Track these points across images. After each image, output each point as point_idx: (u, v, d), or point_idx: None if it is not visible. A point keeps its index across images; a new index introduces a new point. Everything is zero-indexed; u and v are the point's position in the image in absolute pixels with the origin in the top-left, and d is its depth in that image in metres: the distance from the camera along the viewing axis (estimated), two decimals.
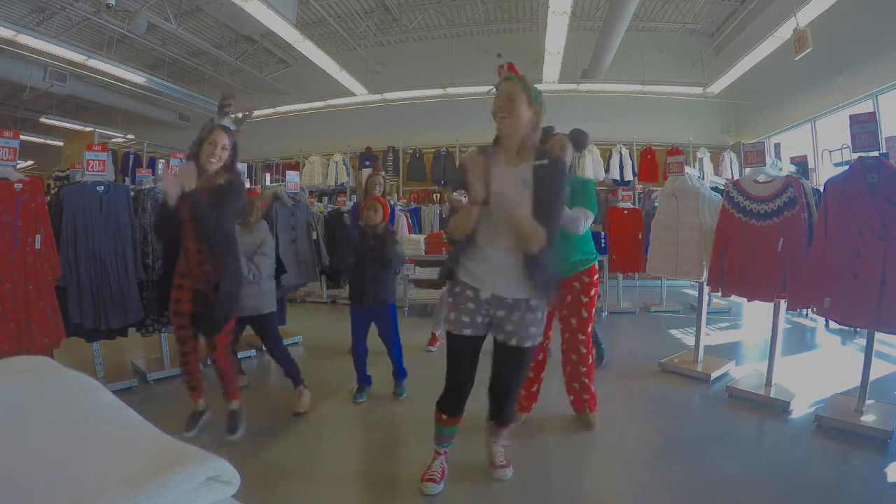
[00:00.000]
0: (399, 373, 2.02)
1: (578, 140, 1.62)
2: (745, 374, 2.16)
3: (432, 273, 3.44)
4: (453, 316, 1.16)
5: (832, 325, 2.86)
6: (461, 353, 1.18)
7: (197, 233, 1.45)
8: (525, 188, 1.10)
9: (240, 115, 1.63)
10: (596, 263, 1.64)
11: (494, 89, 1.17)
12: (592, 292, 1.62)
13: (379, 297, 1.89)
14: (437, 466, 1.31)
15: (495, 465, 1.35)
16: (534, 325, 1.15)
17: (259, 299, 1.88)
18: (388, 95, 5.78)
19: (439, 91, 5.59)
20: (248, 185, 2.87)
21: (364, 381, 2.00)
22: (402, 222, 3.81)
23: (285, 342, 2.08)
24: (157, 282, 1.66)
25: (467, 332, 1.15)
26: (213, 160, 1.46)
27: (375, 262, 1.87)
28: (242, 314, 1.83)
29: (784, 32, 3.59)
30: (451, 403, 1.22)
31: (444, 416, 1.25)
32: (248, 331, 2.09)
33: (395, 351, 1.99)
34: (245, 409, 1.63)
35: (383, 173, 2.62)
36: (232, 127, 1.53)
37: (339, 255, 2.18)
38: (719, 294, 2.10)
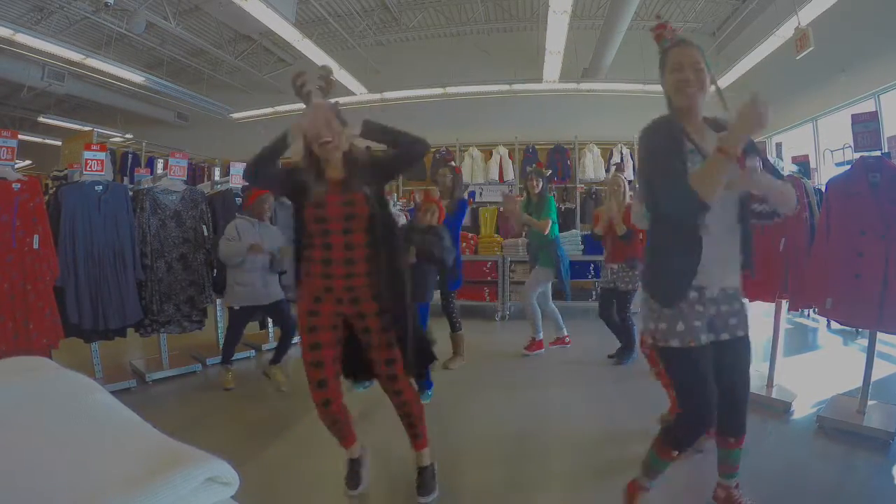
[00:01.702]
0: (426, 383, 1.88)
1: None
2: None
3: None
4: (682, 325, 0.94)
5: (834, 325, 2.86)
6: (706, 367, 0.96)
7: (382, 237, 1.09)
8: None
9: (320, 85, 1.25)
10: None
11: (665, 53, 0.97)
12: None
13: (419, 296, 1.76)
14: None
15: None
16: (746, 312, 1.02)
17: (275, 287, 2.14)
18: (387, 95, 5.76)
19: (439, 90, 5.57)
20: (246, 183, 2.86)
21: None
22: (402, 222, 3.80)
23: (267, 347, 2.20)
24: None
25: (704, 338, 0.96)
26: (329, 139, 1.14)
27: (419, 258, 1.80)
28: (261, 303, 2.08)
29: (785, 31, 3.57)
30: (696, 429, 1.00)
31: (676, 453, 1.04)
32: (248, 330, 2.14)
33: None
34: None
35: (453, 163, 2.60)
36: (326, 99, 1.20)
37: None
38: None
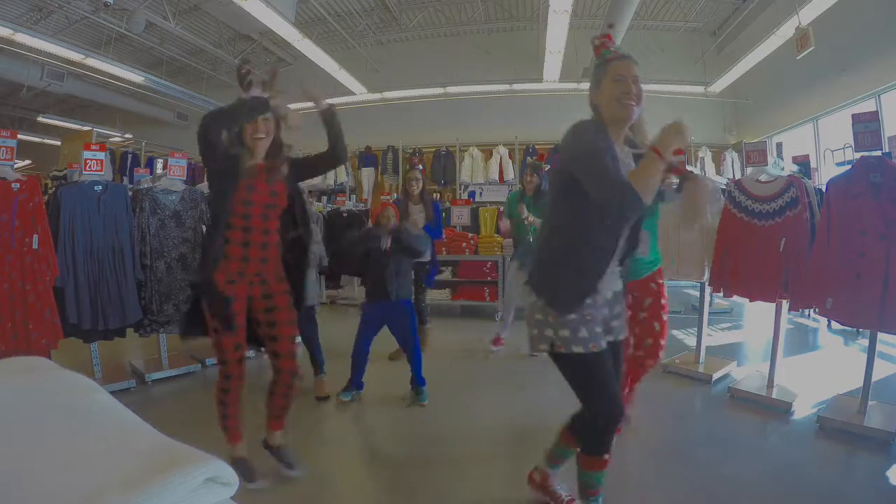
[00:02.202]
0: (418, 380, 1.92)
1: None
2: (746, 375, 2.15)
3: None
4: (585, 332, 0.94)
5: (834, 325, 2.86)
6: (610, 369, 0.98)
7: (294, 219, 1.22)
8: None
9: (265, 79, 1.28)
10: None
11: (604, 63, 0.97)
12: (666, 295, 1.53)
13: (403, 292, 1.85)
14: (559, 488, 1.14)
15: (564, 501, 1.15)
16: (625, 314, 1.06)
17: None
18: (387, 94, 5.76)
19: (439, 90, 5.56)
20: None
21: (358, 385, 1.96)
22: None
23: None
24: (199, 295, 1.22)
25: (604, 342, 0.98)
26: (261, 135, 1.20)
27: (399, 255, 1.83)
28: None
29: (786, 31, 3.57)
30: (608, 430, 1.00)
31: (605, 457, 1.03)
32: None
33: (415, 354, 1.92)
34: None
35: (421, 167, 2.55)
36: (265, 95, 1.22)
37: (344, 251, 2.16)
38: (721, 294, 2.10)
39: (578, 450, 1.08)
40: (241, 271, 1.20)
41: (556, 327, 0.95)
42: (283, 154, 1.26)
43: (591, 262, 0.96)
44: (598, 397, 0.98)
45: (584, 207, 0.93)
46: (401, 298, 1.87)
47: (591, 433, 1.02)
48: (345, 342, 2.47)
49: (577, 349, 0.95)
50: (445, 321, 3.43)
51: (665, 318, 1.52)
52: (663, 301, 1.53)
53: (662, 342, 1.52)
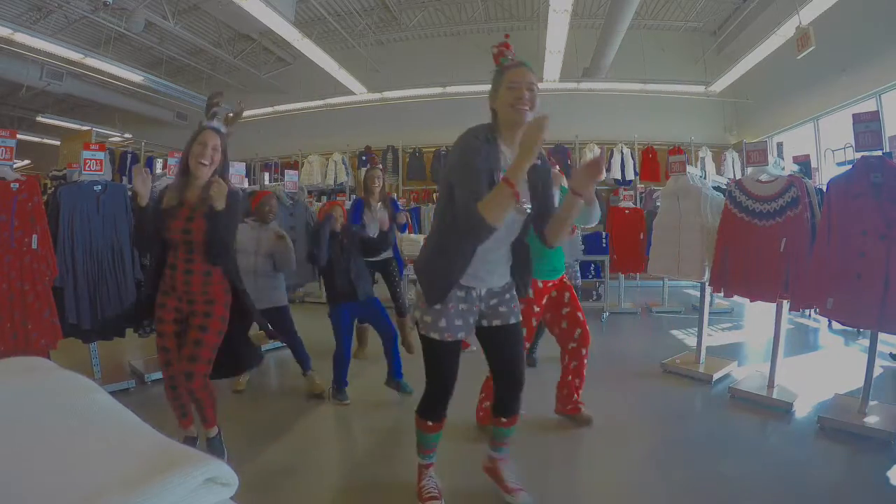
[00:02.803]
0: (396, 370, 1.97)
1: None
2: (747, 375, 2.15)
3: None
4: (444, 322, 1.08)
5: (835, 325, 2.85)
6: (451, 358, 1.13)
7: (210, 254, 1.29)
8: (525, 187, 1.06)
9: (230, 114, 1.48)
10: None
11: (502, 71, 1.07)
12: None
13: (368, 290, 1.90)
14: (431, 484, 1.22)
15: (508, 489, 1.22)
16: (516, 301, 1.17)
17: (272, 292, 2.06)
18: (387, 94, 5.75)
19: (439, 90, 5.56)
20: (246, 184, 2.85)
21: (344, 383, 1.96)
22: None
23: (281, 344, 2.14)
24: (141, 299, 1.43)
25: (461, 335, 1.11)
26: (205, 161, 1.29)
27: (356, 255, 1.88)
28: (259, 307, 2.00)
29: (787, 31, 3.57)
30: (437, 405, 1.17)
31: (429, 423, 1.18)
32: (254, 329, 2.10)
33: (395, 345, 1.96)
34: (222, 432, 1.46)
35: (381, 166, 2.47)
36: (222, 129, 1.37)
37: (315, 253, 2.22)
38: (721, 294, 2.10)
39: (502, 419, 1.23)
40: (173, 286, 1.34)
41: (423, 312, 1.10)
42: (209, 195, 1.28)
43: (454, 265, 1.05)
44: (435, 377, 1.15)
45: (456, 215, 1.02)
46: (368, 296, 1.91)
47: (425, 401, 1.19)
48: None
49: (433, 335, 1.10)
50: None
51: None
52: (577, 295, 1.75)
53: (587, 328, 1.69)
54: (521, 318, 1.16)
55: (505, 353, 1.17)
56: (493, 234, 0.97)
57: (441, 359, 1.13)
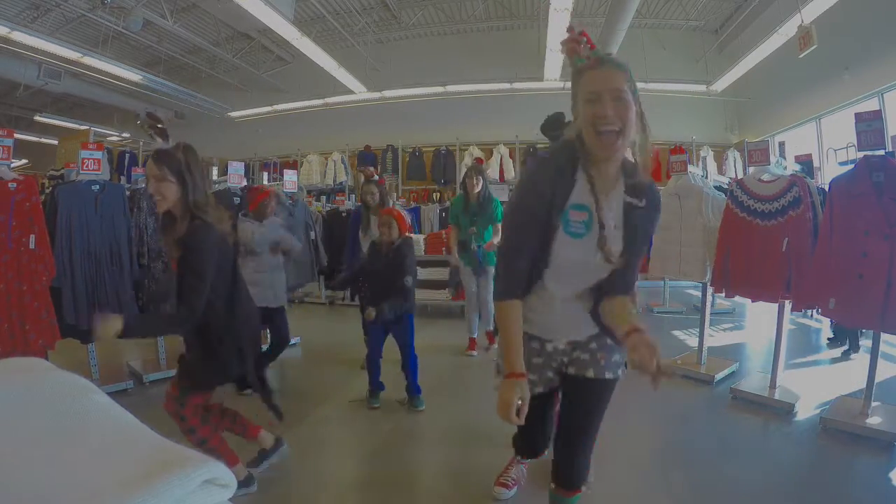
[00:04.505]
0: (413, 388, 1.88)
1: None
2: (749, 375, 2.14)
3: (432, 273, 3.41)
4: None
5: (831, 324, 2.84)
6: (533, 416, 0.87)
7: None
8: (616, 228, 0.79)
9: (156, 126, 1.24)
10: None
11: (578, 73, 0.75)
12: None
13: (394, 312, 1.77)
14: (514, 472, 1.22)
15: None
16: (616, 351, 0.87)
17: (280, 291, 2.06)
18: (387, 93, 5.74)
19: (439, 89, 5.55)
20: (244, 183, 2.84)
21: (377, 386, 1.93)
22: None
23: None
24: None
25: (538, 390, 0.90)
26: (158, 199, 1.10)
27: (389, 278, 1.76)
28: (270, 305, 2.00)
29: (789, 29, 3.55)
30: (526, 452, 1.07)
31: (523, 458, 1.15)
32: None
33: (409, 363, 1.87)
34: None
35: (376, 177, 2.30)
36: (164, 145, 1.23)
37: (340, 268, 2.16)
38: (723, 295, 2.09)
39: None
40: None
41: (499, 357, 0.88)
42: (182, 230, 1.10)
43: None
44: (518, 433, 1.03)
45: None
46: (393, 318, 1.80)
47: (517, 440, 1.07)
48: (345, 346, 2.47)
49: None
50: (447, 322, 3.41)
51: None
52: None
53: None
54: (607, 376, 0.88)
55: (568, 407, 0.91)
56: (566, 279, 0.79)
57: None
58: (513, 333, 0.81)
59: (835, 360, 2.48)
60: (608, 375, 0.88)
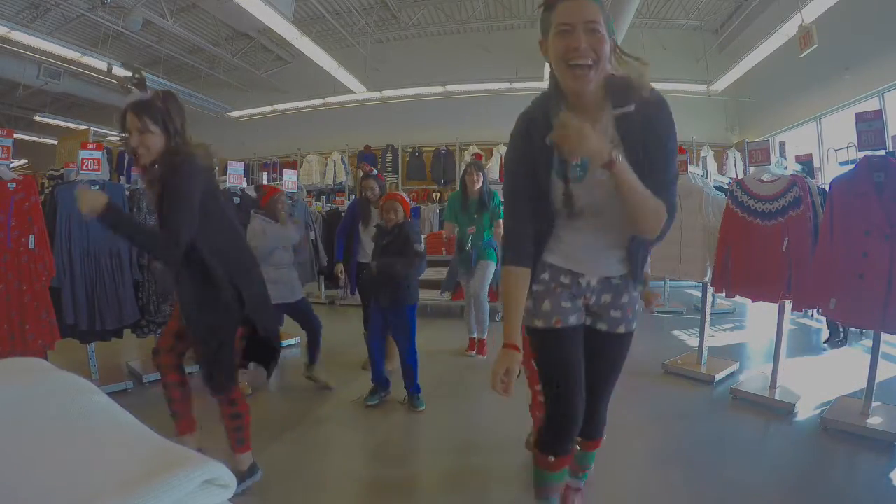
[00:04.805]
0: (413, 387, 1.85)
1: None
2: (749, 375, 2.14)
3: (431, 274, 3.41)
4: (549, 305, 0.80)
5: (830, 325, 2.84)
6: (570, 354, 0.82)
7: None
8: (615, 147, 0.71)
9: (133, 75, 1.07)
10: None
11: (550, 5, 0.71)
12: None
13: (395, 299, 1.74)
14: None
15: None
16: (637, 300, 0.87)
17: (298, 284, 2.10)
18: (387, 93, 5.73)
19: (439, 89, 5.54)
20: (244, 184, 2.84)
21: (379, 382, 1.90)
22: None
23: (282, 344, 2.16)
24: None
25: (573, 320, 0.82)
26: (142, 152, 1.04)
27: (396, 251, 1.73)
28: (289, 301, 2.05)
29: (789, 29, 3.55)
30: (562, 434, 0.84)
31: (551, 458, 0.86)
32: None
33: (408, 360, 1.83)
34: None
35: (375, 172, 2.29)
36: (142, 95, 1.05)
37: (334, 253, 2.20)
38: (723, 295, 2.09)
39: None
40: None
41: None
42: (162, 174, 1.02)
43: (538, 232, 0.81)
44: (553, 389, 0.84)
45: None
46: (393, 305, 1.77)
47: (546, 429, 0.87)
48: (346, 346, 2.46)
49: (538, 323, 0.82)
50: (446, 322, 3.41)
51: None
52: None
53: None
54: (633, 328, 0.87)
55: (596, 363, 0.86)
56: (588, 208, 0.75)
57: (555, 356, 0.82)
58: (514, 302, 0.78)
59: (835, 361, 2.48)
60: (634, 328, 0.88)
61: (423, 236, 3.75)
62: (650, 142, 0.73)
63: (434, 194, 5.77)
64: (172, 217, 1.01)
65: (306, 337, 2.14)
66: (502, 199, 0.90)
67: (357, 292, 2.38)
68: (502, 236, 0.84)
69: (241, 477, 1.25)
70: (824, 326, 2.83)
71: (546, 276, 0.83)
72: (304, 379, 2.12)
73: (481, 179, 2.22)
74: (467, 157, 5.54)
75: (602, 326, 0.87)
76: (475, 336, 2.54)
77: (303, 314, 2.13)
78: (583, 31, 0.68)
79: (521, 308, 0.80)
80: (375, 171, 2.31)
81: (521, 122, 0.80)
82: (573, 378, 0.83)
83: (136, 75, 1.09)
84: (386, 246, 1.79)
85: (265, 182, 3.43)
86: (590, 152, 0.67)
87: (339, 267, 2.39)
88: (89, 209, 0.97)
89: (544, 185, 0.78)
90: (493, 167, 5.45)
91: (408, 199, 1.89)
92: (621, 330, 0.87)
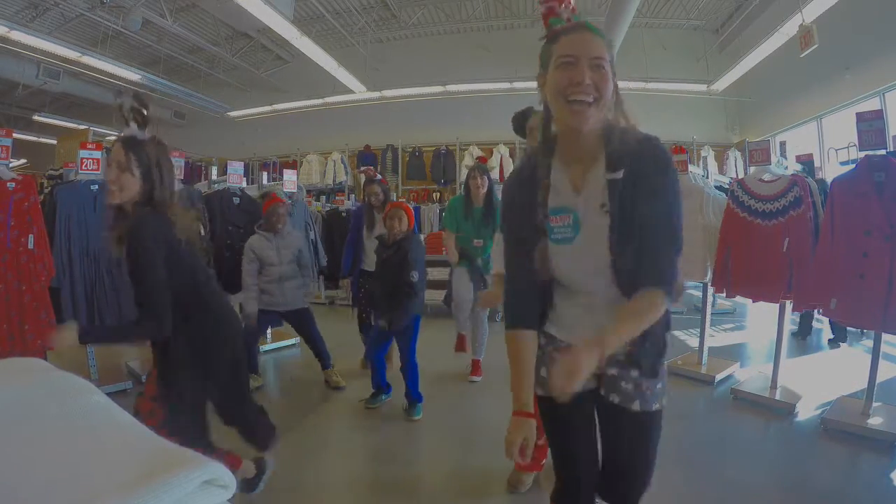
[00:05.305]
0: (411, 395, 1.82)
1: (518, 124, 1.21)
2: (750, 375, 2.14)
3: (432, 273, 3.40)
4: (545, 371, 0.74)
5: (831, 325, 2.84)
6: (569, 422, 0.75)
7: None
8: (602, 213, 0.66)
9: (140, 109, 0.99)
10: None
11: (552, 38, 0.67)
12: None
13: (398, 318, 1.70)
14: None
15: None
16: (658, 378, 0.74)
17: (294, 295, 2.09)
18: (386, 93, 5.72)
19: (439, 88, 5.53)
20: (244, 183, 2.83)
21: (379, 387, 1.89)
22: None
23: (282, 344, 2.16)
24: None
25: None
26: (114, 189, 0.95)
27: (392, 277, 1.71)
28: (278, 310, 2.06)
29: (790, 29, 3.54)
30: (572, 493, 0.80)
31: None
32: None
33: (407, 369, 1.81)
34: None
35: (379, 177, 2.22)
36: (139, 134, 0.99)
37: (340, 262, 2.17)
38: (724, 295, 2.09)
39: None
40: None
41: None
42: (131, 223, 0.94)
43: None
44: (555, 456, 0.79)
45: None
46: (396, 322, 1.74)
47: (555, 491, 0.82)
48: (345, 346, 2.46)
49: (538, 391, 0.75)
50: (446, 322, 3.40)
51: None
52: None
53: None
54: (651, 408, 0.74)
55: (615, 440, 0.77)
56: (572, 263, 0.68)
57: (558, 425, 0.76)
58: (521, 366, 0.71)
59: (836, 361, 2.47)
60: (655, 407, 0.75)
61: (422, 237, 3.75)
62: (651, 207, 0.64)
63: (434, 194, 5.76)
64: (146, 293, 0.94)
65: (311, 348, 2.16)
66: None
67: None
68: (503, 294, 0.75)
69: (253, 482, 1.20)
70: (825, 327, 2.83)
71: (543, 341, 0.76)
72: (302, 379, 2.12)
73: (486, 184, 2.00)
74: (467, 158, 5.54)
75: (615, 398, 0.75)
76: (475, 355, 2.25)
77: (301, 325, 2.13)
78: (587, 66, 0.63)
79: (531, 372, 0.72)
80: (379, 176, 2.27)
81: (515, 179, 0.75)
82: (578, 444, 0.78)
83: (141, 108, 1.00)
84: (385, 260, 1.79)
85: (265, 182, 3.42)
86: (587, 372, 0.60)
87: (346, 283, 2.39)
88: (67, 346, 0.92)
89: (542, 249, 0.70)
90: (494, 167, 5.45)
91: (412, 210, 1.85)
92: (635, 407, 0.74)
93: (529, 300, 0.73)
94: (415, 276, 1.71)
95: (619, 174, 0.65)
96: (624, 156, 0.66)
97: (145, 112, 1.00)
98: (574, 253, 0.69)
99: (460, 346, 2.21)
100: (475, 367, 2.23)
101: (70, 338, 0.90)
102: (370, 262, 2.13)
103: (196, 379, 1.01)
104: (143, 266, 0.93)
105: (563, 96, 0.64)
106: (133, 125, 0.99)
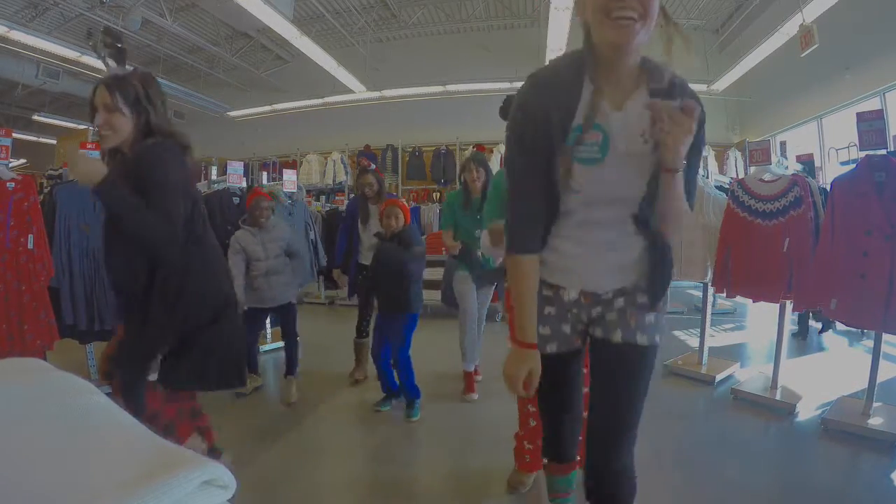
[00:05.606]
0: (408, 391, 1.80)
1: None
2: (750, 376, 2.14)
3: (431, 274, 3.39)
4: (540, 328, 0.72)
5: (839, 326, 2.84)
6: (552, 381, 0.73)
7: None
8: (641, 141, 0.64)
9: (113, 43, 0.90)
10: None
11: None
12: None
13: (394, 307, 1.74)
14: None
15: None
16: (648, 311, 0.70)
17: (283, 290, 2.02)
18: (386, 93, 5.73)
19: (439, 88, 5.53)
20: (243, 183, 2.83)
21: (388, 388, 1.88)
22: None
23: (282, 344, 2.15)
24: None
25: (550, 348, 0.73)
26: (106, 133, 0.88)
27: (389, 270, 1.73)
28: (265, 306, 2.01)
29: (790, 28, 3.54)
30: (553, 444, 0.83)
31: (551, 463, 0.85)
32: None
33: (399, 362, 1.81)
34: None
35: (373, 167, 2.22)
36: (118, 67, 0.89)
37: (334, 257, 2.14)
38: (724, 295, 2.08)
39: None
40: None
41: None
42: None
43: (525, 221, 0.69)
44: (539, 408, 0.82)
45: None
46: (392, 313, 1.76)
47: (543, 439, 0.86)
48: (344, 346, 2.45)
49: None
50: (447, 322, 3.40)
51: None
52: None
53: None
54: (639, 341, 0.70)
55: (599, 379, 0.74)
56: (589, 189, 0.63)
57: (542, 381, 0.73)
58: (525, 294, 0.67)
59: (836, 361, 2.47)
60: (641, 341, 0.69)
61: (423, 237, 3.75)
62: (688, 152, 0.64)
63: (434, 194, 5.76)
64: (158, 204, 0.84)
65: (284, 346, 2.07)
66: (505, 180, 0.72)
67: (356, 295, 2.33)
68: (506, 221, 0.69)
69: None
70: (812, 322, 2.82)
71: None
72: (301, 379, 2.11)
73: (483, 175, 1.94)
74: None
75: (598, 332, 0.73)
76: (471, 368, 2.02)
77: (285, 321, 2.07)
78: None
79: (534, 297, 0.68)
80: (373, 166, 2.27)
81: (539, 83, 0.66)
82: (556, 401, 0.78)
83: (115, 42, 0.90)
84: (384, 249, 1.80)
85: (265, 182, 3.42)
86: (679, 153, 0.59)
87: (338, 273, 2.32)
88: (84, 177, 0.82)
89: (553, 164, 0.64)
90: (494, 167, 5.43)
91: (407, 206, 1.87)
92: (617, 338, 0.69)
93: (537, 223, 0.68)
94: (420, 250, 1.74)
95: (677, 102, 0.63)
96: (673, 91, 0.65)
97: (120, 45, 0.90)
98: (599, 175, 0.65)
99: (470, 386, 1.97)
100: (469, 383, 1.98)
101: (98, 170, 0.81)
102: (366, 256, 2.12)
103: (162, 338, 0.93)
104: (159, 184, 0.83)
105: (604, 13, 0.59)
106: (111, 63, 0.90)
